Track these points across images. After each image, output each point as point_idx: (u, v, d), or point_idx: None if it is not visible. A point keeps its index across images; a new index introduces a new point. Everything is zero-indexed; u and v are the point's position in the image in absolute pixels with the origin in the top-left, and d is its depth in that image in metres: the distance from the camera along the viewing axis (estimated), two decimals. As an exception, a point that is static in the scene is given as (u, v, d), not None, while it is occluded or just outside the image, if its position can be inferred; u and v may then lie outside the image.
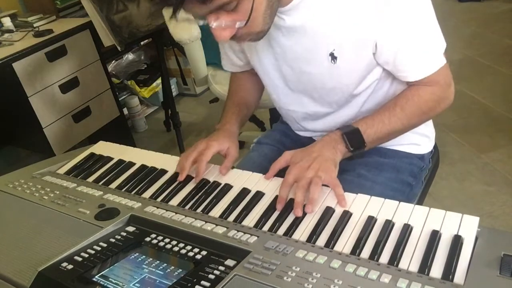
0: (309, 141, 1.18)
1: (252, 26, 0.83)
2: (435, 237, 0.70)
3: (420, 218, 0.75)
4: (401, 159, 1.08)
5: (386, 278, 0.64)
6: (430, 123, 1.14)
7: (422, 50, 0.91)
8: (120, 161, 1.10)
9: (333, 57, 0.94)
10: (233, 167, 1.03)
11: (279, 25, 0.94)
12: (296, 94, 1.06)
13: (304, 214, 0.81)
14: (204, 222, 0.82)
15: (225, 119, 1.12)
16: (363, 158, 1.06)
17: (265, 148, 1.20)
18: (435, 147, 1.20)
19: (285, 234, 0.78)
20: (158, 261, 0.74)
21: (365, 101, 1.03)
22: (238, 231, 0.78)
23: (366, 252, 0.71)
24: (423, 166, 1.11)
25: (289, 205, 0.84)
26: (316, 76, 0.99)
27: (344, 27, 0.90)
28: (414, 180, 1.08)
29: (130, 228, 0.84)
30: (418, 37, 0.90)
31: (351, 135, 0.92)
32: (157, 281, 0.70)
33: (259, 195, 0.89)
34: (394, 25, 0.88)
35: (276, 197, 0.87)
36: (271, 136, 1.25)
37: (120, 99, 2.75)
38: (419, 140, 1.10)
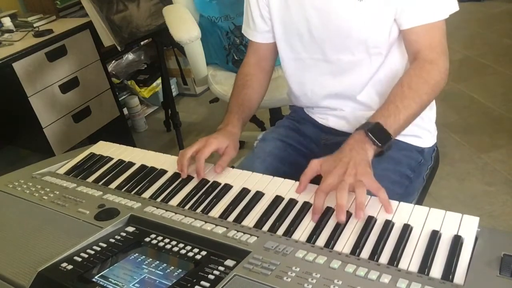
0: (316, 132, 1.20)
1: None
2: (435, 237, 0.70)
3: (420, 218, 0.75)
4: (400, 151, 1.07)
5: (386, 278, 0.64)
6: (432, 118, 1.15)
7: None
8: (120, 161, 1.10)
9: None
10: (232, 167, 1.03)
11: None
12: (318, 44, 1.08)
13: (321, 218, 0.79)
14: (204, 222, 0.82)
15: (228, 120, 1.12)
16: None
17: (269, 144, 1.20)
18: (435, 147, 1.20)
19: (285, 234, 0.77)
20: (158, 261, 0.74)
21: (380, 65, 1.05)
22: (238, 231, 0.78)
23: (366, 252, 0.71)
24: (421, 160, 1.11)
25: (290, 205, 0.84)
26: (342, 17, 1.01)
27: None
28: (413, 174, 1.08)
29: (130, 228, 0.84)
30: None
31: (374, 130, 0.89)
32: (157, 281, 0.70)
33: (259, 195, 0.88)
34: None
35: (276, 197, 0.87)
36: (276, 131, 1.25)
37: (120, 99, 2.75)
38: (420, 133, 1.11)
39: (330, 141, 1.17)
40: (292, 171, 1.15)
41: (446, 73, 0.99)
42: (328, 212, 0.80)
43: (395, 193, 1.00)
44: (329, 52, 1.08)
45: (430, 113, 1.13)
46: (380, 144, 0.89)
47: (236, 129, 1.10)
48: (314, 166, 0.88)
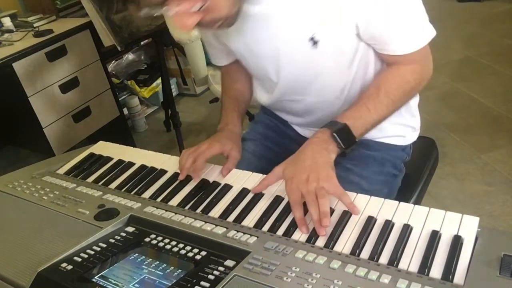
0: (295, 134, 1.18)
1: (215, 10, 0.79)
2: (435, 237, 0.70)
3: (420, 218, 0.75)
4: (386, 151, 1.07)
5: (386, 279, 0.64)
6: (417, 114, 1.12)
7: (409, 24, 0.88)
8: (120, 161, 1.09)
9: (314, 41, 0.90)
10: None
11: (249, 14, 0.89)
12: (279, 89, 1.04)
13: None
14: (203, 222, 0.82)
15: (227, 119, 1.10)
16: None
17: (251, 145, 1.18)
18: (434, 146, 1.20)
19: (285, 234, 0.77)
20: (157, 262, 0.74)
21: (353, 93, 1.01)
22: (237, 231, 0.78)
23: (366, 253, 0.70)
24: (405, 158, 1.11)
25: (289, 206, 0.84)
26: (298, 66, 0.96)
27: (322, 9, 0.86)
28: (398, 172, 1.09)
29: (130, 229, 0.84)
30: (403, 11, 0.87)
31: (341, 132, 0.88)
32: (157, 281, 0.70)
33: (258, 195, 0.88)
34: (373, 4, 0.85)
35: (276, 197, 0.87)
36: (255, 129, 1.23)
37: (120, 99, 2.75)
38: (404, 132, 1.10)
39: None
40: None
41: (426, 79, 0.95)
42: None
43: (382, 193, 1.01)
44: (297, 95, 1.04)
45: (413, 110, 1.10)
46: (344, 147, 0.88)
47: (237, 127, 1.09)
48: (277, 172, 0.89)
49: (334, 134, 0.87)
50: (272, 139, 1.20)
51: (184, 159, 0.99)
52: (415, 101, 1.10)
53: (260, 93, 1.14)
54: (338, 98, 1.02)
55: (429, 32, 0.90)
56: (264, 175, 0.94)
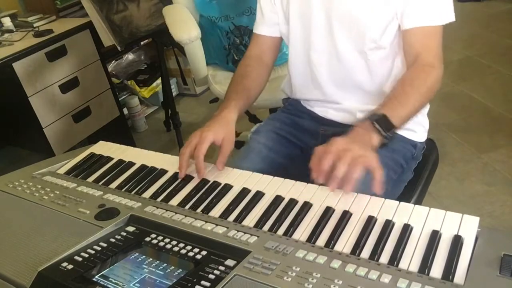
0: (314, 124, 1.21)
1: None
2: (435, 237, 0.70)
3: (420, 218, 0.75)
4: (397, 142, 1.11)
5: (386, 278, 0.64)
6: (425, 113, 1.19)
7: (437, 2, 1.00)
8: (120, 161, 1.10)
9: None
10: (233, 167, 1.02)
11: None
12: (330, 35, 1.10)
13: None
14: (204, 222, 0.82)
15: (224, 105, 1.11)
16: None
17: (263, 136, 1.20)
18: (434, 146, 1.20)
19: (285, 234, 0.78)
20: (158, 261, 0.74)
21: (380, 60, 1.09)
22: (238, 231, 0.78)
23: (366, 252, 0.71)
24: (414, 153, 1.15)
25: (290, 205, 0.84)
26: (345, 6, 1.05)
27: None
28: (406, 164, 1.12)
29: (130, 228, 0.84)
30: None
31: (381, 121, 0.92)
32: (157, 281, 0.70)
33: (259, 195, 0.88)
34: None
35: (277, 197, 0.87)
36: (270, 123, 1.26)
37: (120, 99, 2.75)
38: (415, 127, 1.15)
39: (329, 131, 1.18)
40: (287, 163, 1.16)
41: (440, 78, 1.02)
42: (328, 212, 0.80)
43: (389, 178, 1.05)
44: (330, 44, 1.11)
45: (423, 110, 1.16)
46: (385, 134, 0.92)
47: (232, 114, 1.08)
48: (320, 149, 0.87)
49: (375, 123, 0.92)
50: (287, 130, 1.23)
51: (182, 159, 0.99)
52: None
53: (297, 55, 1.19)
54: (368, 58, 1.09)
55: (449, 15, 1.01)
56: (265, 175, 0.94)
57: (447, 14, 1.01)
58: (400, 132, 1.10)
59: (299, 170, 1.16)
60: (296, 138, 1.22)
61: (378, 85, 1.12)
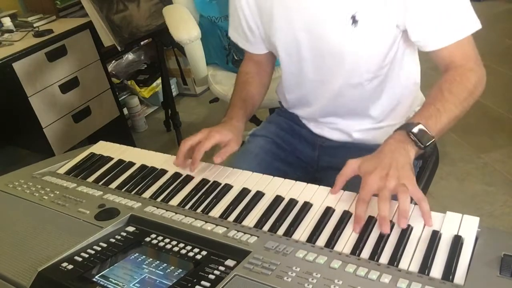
0: (311, 135, 1.19)
1: None
2: (435, 237, 0.70)
3: (420, 218, 0.75)
4: None
5: (386, 278, 0.64)
6: None
7: (455, 12, 0.91)
8: (120, 161, 1.09)
9: (354, 20, 0.91)
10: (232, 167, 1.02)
11: None
12: (309, 66, 1.05)
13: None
14: (204, 222, 0.82)
15: (232, 114, 1.10)
16: (357, 156, 1.06)
17: (260, 140, 1.19)
18: (435, 147, 1.20)
19: (285, 234, 0.77)
20: (158, 261, 0.74)
21: (378, 87, 1.03)
22: (238, 231, 0.78)
23: (366, 252, 0.71)
24: (415, 164, 1.11)
25: (290, 205, 0.84)
26: (334, 42, 0.96)
27: None
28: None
29: (130, 228, 0.84)
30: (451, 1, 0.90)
31: (417, 131, 0.84)
32: (157, 281, 0.70)
33: (259, 195, 0.88)
34: None
35: (277, 197, 0.87)
36: (266, 128, 1.24)
37: (120, 99, 2.75)
38: None
39: (326, 143, 1.16)
40: (284, 166, 1.15)
41: (484, 80, 0.95)
42: (328, 212, 0.80)
43: None
44: (321, 75, 1.05)
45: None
46: (422, 146, 0.84)
47: (240, 123, 1.08)
48: (352, 165, 0.84)
49: (411, 133, 0.84)
50: (283, 138, 1.20)
51: (182, 146, 0.99)
52: None
53: (287, 78, 1.13)
54: (363, 87, 1.02)
55: (474, 23, 0.93)
56: (265, 175, 0.94)
57: (472, 22, 0.93)
58: None
59: (296, 174, 1.16)
60: (291, 146, 1.19)
61: (375, 106, 1.08)
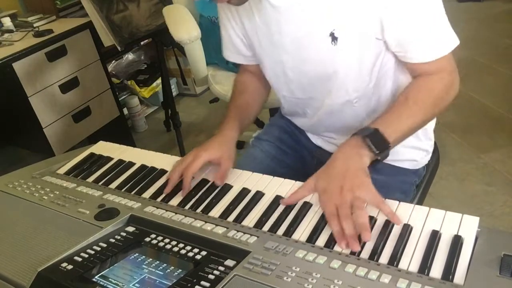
0: (307, 141, 1.19)
1: None
2: (435, 237, 0.70)
3: (420, 218, 0.75)
4: (394, 176, 1.05)
5: (386, 278, 0.64)
6: (432, 138, 1.12)
7: (434, 29, 0.88)
8: (120, 161, 1.09)
9: (333, 37, 0.90)
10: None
11: (274, 5, 0.92)
12: (297, 86, 1.04)
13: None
14: (204, 222, 0.82)
15: (224, 124, 1.07)
16: None
17: (265, 145, 1.19)
18: (436, 149, 1.20)
19: (285, 234, 0.77)
20: (158, 261, 0.74)
21: (369, 103, 1.01)
22: (238, 231, 0.78)
23: (366, 252, 0.71)
24: (415, 181, 1.10)
25: (290, 205, 0.84)
26: (317, 64, 0.96)
27: (345, 4, 0.87)
28: (403, 195, 1.06)
29: (130, 228, 0.84)
30: (429, 15, 0.87)
31: (372, 136, 0.84)
32: (157, 281, 0.70)
33: (259, 195, 0.88)
34: (401, 2, 0.85)
35: (276, 197, 0.87)
36: (270, 132, 1.24)
37: (120, 99, 2.75)
38: (417, 155, 1.09)
39: (324, 157, 1.14)
40: (289, 172, 1.15)
41: (455, 85, 0.94)
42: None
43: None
44: (311, 94, 1.04)
45: (429, 133, 1.10)
46: (377, 152, 0.84)
47: (232, 132, 1.05)
48: (309, 185, 0.85)
49: (366, 138, 0.84)
50: (286, 143, 1.20)
51: (172, 173, 0.96)
52: (431, 125, 1.10)
53: (278, 93, 1.12)
54: (353, 105, 1.01)
55: (453, 40, 0.89)
56: (265, 175, 0.94)
57: (450, 41, 0.90)
58: (399, 164, 1.05)
59: (300, 180, 1.16)
60: (295, 151, 1.19)
61: (368, 117, 1.03)
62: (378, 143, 0.84)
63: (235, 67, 1.98)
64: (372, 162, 0.85)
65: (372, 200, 0.77)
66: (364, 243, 0.72)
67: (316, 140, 1.17)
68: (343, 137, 1.06)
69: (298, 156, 1.20)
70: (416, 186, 1.12)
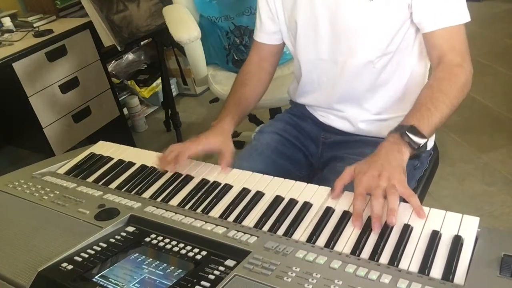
0: (316, 130, 1.20)
1: None
2: (435, 237, 0.70)
3: (420, 218, 0.75)
4: None
5: (386, 279, 0.64)
6: (432, 136, 1.12)
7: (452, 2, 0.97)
8: (120, 161, 1.09)
9: None
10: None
11: None
12: (325, 44, 1.08)
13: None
14: (204, 222, 0.82)
15: (221, 117, 1.13)
16: (358, 149, 1.08)
17: (267, 137, 1.21)
18: (435, 147, 1.20)
19: (285, 234, 0.77)
20: (158, 261, 0.74)
21: (388, 72, 1.06)
22: (238, 231, 0.78)
23: (366, 253, 0.71)
24: (416, 165, 1.12)
25: (290, 205, 0.84)
26: (350, 17, 1.02)
27: None
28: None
29: (130, 228, 0.84)
30: None
31: (410, 133, 0.87)
32: (157, 281, 0.70)
33: (259, 195, 0.88)
34: None
35: (276, 197, 0.87)
36: (274, 124, 1.26)
37: (120, 99, 2.75)
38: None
39: (330, 139, 1.17)
40: (289, 164, 1.16)
41: (470, 78, 0.99)
42: (328, 212, 0.80)
43: None
44: (336, 54, 1.09)
45: None
46: (416, 147, 0.87)
47: (228, 125, 1.10)
48: (349, 170, 0.86)
49: (403, 135, 0.86)
50: (290, 132, 1.22)
51: (167, 152, 1.02)
52: None
53: (302, 59, 1.16)
54: (373, 66, 1.06)
55: (465, 15, 0.99)
56: (265, 175, 0.94)
57: (465, 13, 0.99)
58: None
59: (300, 173, 1.17)
60: (298, 141, 1.21)
61: (382, 94, 1.10)
62: (416, 138, 0.87)
63: (235, 67, 1.98)
64: (411, 156, 0.88)
65: (404, 191, 0.78)
66: (364, 244, 0.72)
67: (324, 118, 1.19)
68: (352, 110, 1.13)
69: (301, 148, 1.21)
70: (416, 186, 1.13)
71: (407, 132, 0.86)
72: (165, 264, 0.73)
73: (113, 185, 1.01)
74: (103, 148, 1.18)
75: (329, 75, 1.13)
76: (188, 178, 0.98)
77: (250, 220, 0.83)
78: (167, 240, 0.79)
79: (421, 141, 0.87)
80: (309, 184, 0.88)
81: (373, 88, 1.09)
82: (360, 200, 0.78)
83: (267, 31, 1.21)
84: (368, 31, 1.02)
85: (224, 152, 1.02)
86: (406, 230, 0.73)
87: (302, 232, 0.77)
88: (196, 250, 0.75)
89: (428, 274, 0.65)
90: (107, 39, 2.26)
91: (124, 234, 0.82)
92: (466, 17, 0.98)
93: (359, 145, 1.11)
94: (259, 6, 1.20)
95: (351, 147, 1.11)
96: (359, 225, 0.76)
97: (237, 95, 1.19)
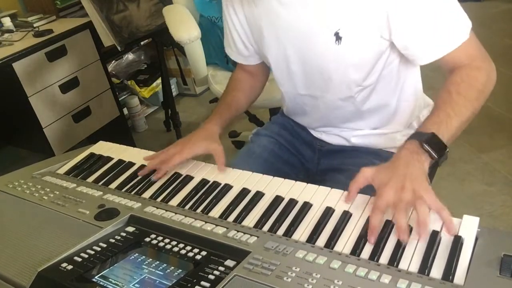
0: (310, 138, 1.19)
1: None
2: (435, 237, 0.70)
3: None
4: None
5: (386, 279, 0.64)
6: None
7: (445, 17, 0.87)
8: (120, 161, 1.09)
9: (338, 37, 0.90)
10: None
11: (283, 2, 0.94)
12: (300, 81, 1.05)
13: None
14: (204, 222, 0.82)
15: (210, 117, 1.12)
16: (356, 159, 1.07)
17: (263, 140, 1.20)
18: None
19: (285, 234, 0.77)
20: (158, 262, 0.74)
21: (368, 98, 1.02)
22: (238, 231, 0.78)
23: (366, 253, 0.70)
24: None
25: (290, 205, 0.84)
26: (320, 59, 0.97)
27: (351, 4, 0.88)
28: None
29: (130, 229, 0.84)
30: (437, 9, 0.87)
31: (430, 141, 0.81)
32: (157, 281, 0.70)
33: (259, 195, 0.88)
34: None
35: (276, 197, 0.87)
36: (270, 128, 1.25)
37: (120, 99, 2.75)
38: None
39: (325, 147, 1.16)
40: (286, 168, 1.16)
41: (494, 75, 0.93)
42: (328, 212, 0.80)
43: None
44: (311, 89, 1.05)
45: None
46: (437, 156, 0.82)
47: (216, 127, 1.09)
48: (367, 174, 0.82)
49: (424, 144, 0.81)
50: (285, 138, 1.21)
51: (153, 161, 1.02)
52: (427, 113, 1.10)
53: (282, 88, 1.14)
54: (354, 100, 1.02)
55: (467, 25, 0.89)
56: (265, 175, 0.94)
57: (465, 25, 0.89)
58: (395, 150, 1.05)
59: (298, 176, 1.16)
60: (293, 148, 1.20)
61: (371, 116, 1.07)
62: (436, 147, 0.82)
63: (235, 67, 1.97)
64: (430, 165, 0.83)
65: (433, 204, 0.75)
66: (364, 245, 0.72)
67: (317, 134, 1.18)
68: (343, 129, 1.10)
69: (297, 152, 1.20)
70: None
71: (426, 141, 0.81)
72: (165, 264, 0.73)
73: (113, 185, 1.01)
74: (103, 148, 1.18)
75: (311, 106, 1.10)
76: (188, 178, 0.98)
77: (250, 220, 0.83)
78: (167, 240, 0.79)
79: (441, 149, 0.82)
80: (309, 184, 0.88)
81: (359, 114, 1.06)
82: (378, 215, 0.74)
83: (243, 54, 1.17)
84: (339, 72, 0.97)
85: (214, 154, 1.01)
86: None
87: (302, 232, 0.77)
88: (196, 250, 0.75)
89: (428, 274, 0.65)
90: (107, 39, 2.26)
91: (124, 234, 0.82)
92: (467, 29, 0.89)
93: (356, 154, 1.09)
94: (230, 31, 1.15)
95: (349, 157, 1.09)
96: (373, 240, 0.72)
97: (229, 98, 1.18)
